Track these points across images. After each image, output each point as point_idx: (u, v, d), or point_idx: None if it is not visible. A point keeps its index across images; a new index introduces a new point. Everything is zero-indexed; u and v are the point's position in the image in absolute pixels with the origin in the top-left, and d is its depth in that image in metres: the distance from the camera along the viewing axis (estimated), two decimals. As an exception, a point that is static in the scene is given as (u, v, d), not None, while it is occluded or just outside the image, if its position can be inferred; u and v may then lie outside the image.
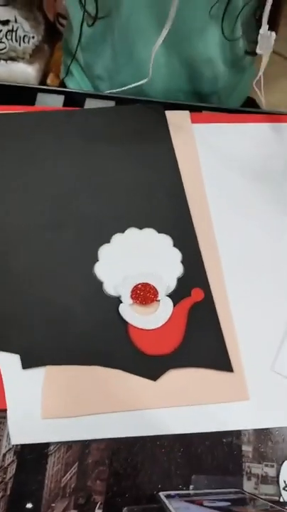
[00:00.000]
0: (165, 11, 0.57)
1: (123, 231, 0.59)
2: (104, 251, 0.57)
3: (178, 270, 0.56)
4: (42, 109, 0.70)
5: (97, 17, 0.60)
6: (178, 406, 0.50)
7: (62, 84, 0.90)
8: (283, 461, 0.49)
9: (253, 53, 0.67)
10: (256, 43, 0.61)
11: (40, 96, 0.72)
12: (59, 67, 0.97)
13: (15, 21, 1.06)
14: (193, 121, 0.70)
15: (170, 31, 0.59)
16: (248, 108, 0.73)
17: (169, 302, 0.54)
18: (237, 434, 0.49)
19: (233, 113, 0.72)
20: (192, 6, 0.60)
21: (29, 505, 0.45)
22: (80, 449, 0.48)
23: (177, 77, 0.74)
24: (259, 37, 0.58)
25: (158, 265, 0.57)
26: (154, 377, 0.51)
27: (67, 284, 0.55)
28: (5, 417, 0.48)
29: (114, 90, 0.71)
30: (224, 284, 0.57)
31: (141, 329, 0.52)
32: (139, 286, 0.54)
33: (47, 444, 0.47)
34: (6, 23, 1.05)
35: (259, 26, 0.60)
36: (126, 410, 0.49)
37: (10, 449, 0.47)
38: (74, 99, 0.72)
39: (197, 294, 0.55)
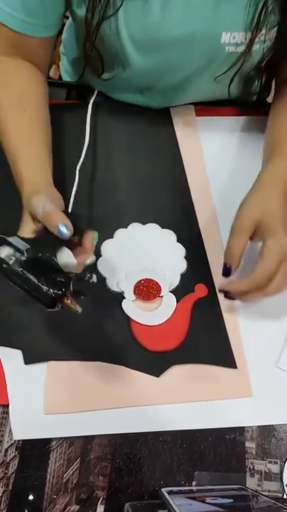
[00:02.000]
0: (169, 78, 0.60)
1: (126, 226, 0.58)
2: (107, 246, 0.57)
3: (182, 266, 0.56)
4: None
5: (104, 70, 0.62)
6: (181, 402, 0.50)
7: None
8: (287, 459, 0.48)
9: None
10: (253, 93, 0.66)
11: (42, 89, 0.71)
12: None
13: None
14: (197, 114, 0.69)
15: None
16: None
17: (172, 298, 0.54)
18: (241, 430, 0.49)
19: (237, 106, 0.71)
20: (197, 77, 0.61)
21: (31, 501, 0.45)
22: (82, 445, 0.47)
23: None
24: None
25: (162, 261, 0.56)
26: (157, 374, 0.50)
27: (70, 279, 0.55)
28: (7, 413, 0.48)
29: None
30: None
31: (144, 325, 0.52)
32: (142, 281, 0.54)
33: (49, 440, 0.47)
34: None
35: (261, 76, 0.62)
36: (128, 406, 0.49)
37: (12, 445, 0.47)
38: (77, 93, 0.71)
39: (200, 290, 0.55)
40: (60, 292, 0.41)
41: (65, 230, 0.43)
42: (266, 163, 0.55)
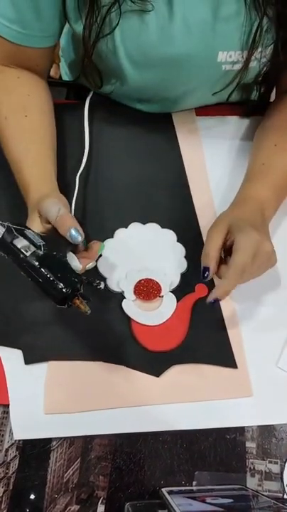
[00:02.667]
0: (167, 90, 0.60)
1: (126, 226, 0.58)
2: (107, 246, 0.57)
3: (182, 266, 0.56)
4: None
5: (102, 84, 0.62)
6: (181, 402, 0.50)
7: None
8: (287, 458, 0.48)
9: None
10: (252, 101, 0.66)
11: (42, 88, 0.71)
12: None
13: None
14: (198, 113, 0.69)
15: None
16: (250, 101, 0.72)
17: (172, 298, 0.54)
18: (241, 430, 0.49)
19: (237, 105, 0.70)
20: (195, 92, 0.62)
21: (32, 500, 0.45)
22: (83, 445, 0.48)
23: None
24: None
25: (162, 260, 0.56)
26: (157, 374, 0.50)
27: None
28: (7, 413, 0.48)
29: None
30: (228, 280, 0.56)
31: (144, 325, 0.52)
32: (142, 281, 0.54)
33: (49, 440, 0.47)
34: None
35: (260, 87, 0.63)
36: (128, 406, 0.49)
37: (12, 445, 0.47)
38: (77, 92, 0.71)
39: (201, 290, 0.55)
40: (74, 290, 0.42)
41: (77, 234, 0.44)
42: (244, 183, 0.57)
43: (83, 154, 0.61)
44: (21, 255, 0.42)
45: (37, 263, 0.42)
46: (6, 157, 0.54)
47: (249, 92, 0.65)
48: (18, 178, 0.53)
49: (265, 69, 0.57)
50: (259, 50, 0.52)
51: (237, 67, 0.54)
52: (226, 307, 0.54)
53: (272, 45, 0.53)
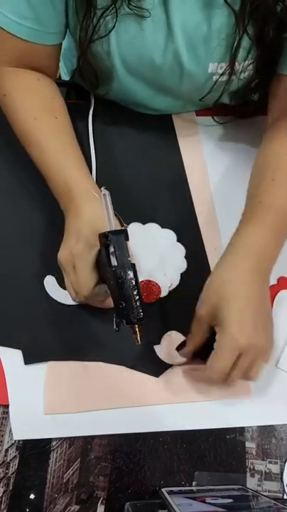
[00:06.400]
0: (158, 83, 0.59)
1: (126, 226, 0.58)
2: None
3: (182, 266, 0.56)
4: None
5: (99, 85, 0.62)
6: (181, 402, 0.50)
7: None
8: (287, 459, 0.48)
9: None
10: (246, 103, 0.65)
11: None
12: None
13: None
14: (198, 113, 0.69)
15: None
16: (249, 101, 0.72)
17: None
18: (241, 430, 0.49)
19: (237, 106, 0.70)
20: (188, 100, 0.63)
21: (31, 501, 0.45)
22: (83, 445, 0.47)
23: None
24: None
25: (162, 260, 0.56)
26: (157, 374, 0.50)
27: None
28: (7, 413, 0.48)
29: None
30: (228, 280, 0.56)
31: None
32: (142, 282, 0.54)
33: (49, 440, 0.47)
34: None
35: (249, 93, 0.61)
36: (128, 406, 0.49)
37: (12, 445, 0.47)
38: (77, 92, 0.71)
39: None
40: (142, 318, 0.41)
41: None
42: (240, 226, 0.50)
43: (89, 157, 0.62)
44: (128, 258, 0.40)
45: (133, 278, 0.40)
46: (35, 158, 0.54)
47: (245, 97, 0.64)
48: (54, 180, 0.52)
49: (252, 83, 0.57)
50: (243, 64, 0.53)
51: (226, 78, 0.55)
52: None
53: (253, 62, 0.53)
